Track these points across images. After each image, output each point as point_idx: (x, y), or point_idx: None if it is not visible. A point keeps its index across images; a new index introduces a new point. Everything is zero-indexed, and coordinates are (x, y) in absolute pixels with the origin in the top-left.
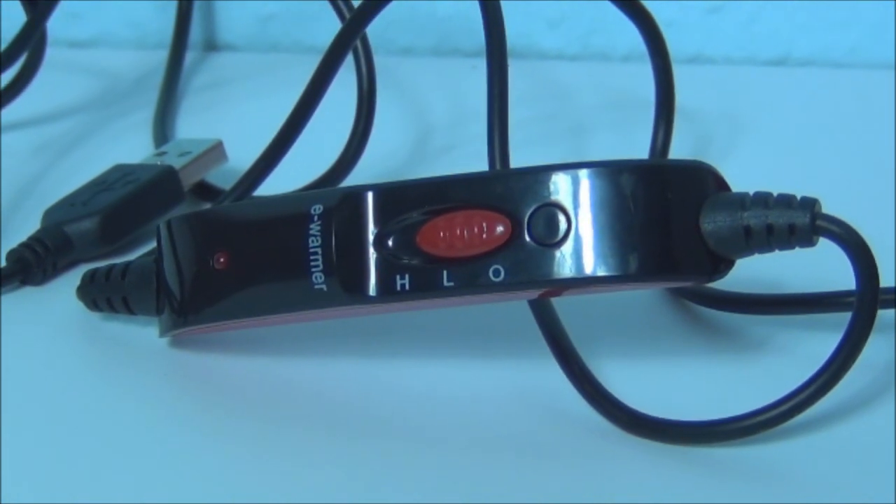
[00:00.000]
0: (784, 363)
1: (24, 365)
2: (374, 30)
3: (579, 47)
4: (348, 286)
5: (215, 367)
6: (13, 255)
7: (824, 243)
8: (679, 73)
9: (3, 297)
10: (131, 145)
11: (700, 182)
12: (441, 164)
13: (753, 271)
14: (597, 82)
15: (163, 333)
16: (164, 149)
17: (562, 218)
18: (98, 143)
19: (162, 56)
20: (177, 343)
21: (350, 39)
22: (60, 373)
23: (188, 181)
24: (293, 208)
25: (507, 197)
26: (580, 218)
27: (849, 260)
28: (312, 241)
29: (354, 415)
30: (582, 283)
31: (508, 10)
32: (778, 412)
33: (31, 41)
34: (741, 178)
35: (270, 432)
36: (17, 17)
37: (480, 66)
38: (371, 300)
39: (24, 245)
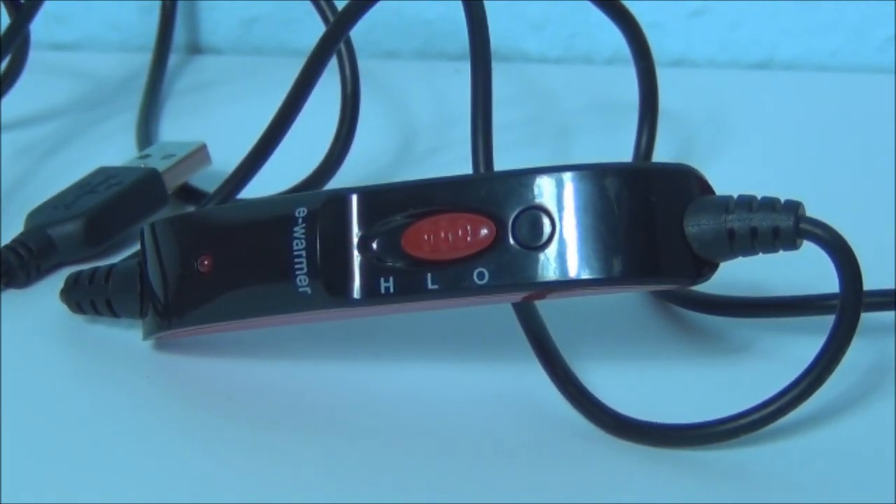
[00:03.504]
0: (768, 366)
1: (7, 367)
2: (358, 32)
3: (563, 50)
4: (332, 289)
5: (199, 370)
6: None
7: (808, 246)
8: (662, 76)
9: None
10: (115, 148)
11: (684, 185)
12: (425, 166)
13: (737, 274)
14: (580, 85)
15: (146, 336)
16: (147, 151)
17: (546, 221)
18: (82, 146)
19: (145, 59)
20: (160, 346)
21: (334, 42)
22: (44, 375)
23: (172, 184)
24: (277, 211)
25: (492, 200)
26: (564, 221)
27: (832, 263)
28: (296, 244)
29: (338, 417)
30: (566, 286)
31: (492, 13)
32: (762, 415)
33: (15, 44)
34: (725, 182)
35: (253, 435)
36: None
37: (464, 70)
38: (355, 303)
39: (7, 248)
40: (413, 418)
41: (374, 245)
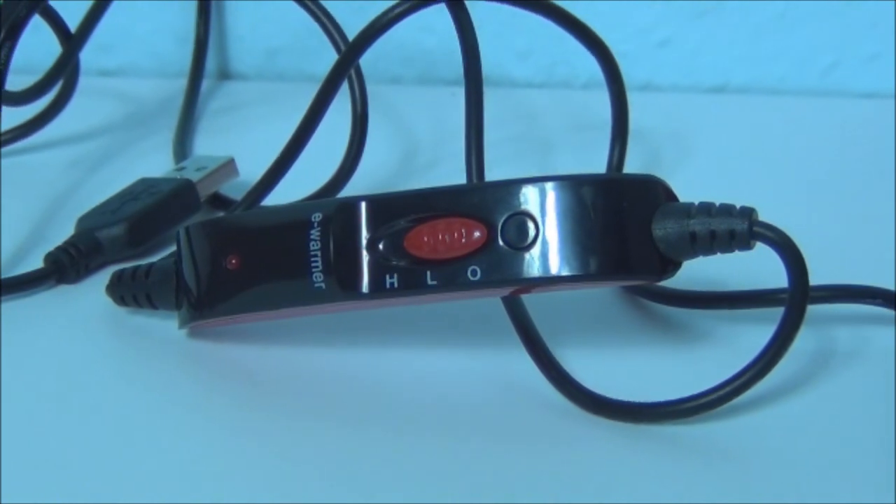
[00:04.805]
0: (725, 352)
1: (60, 353)
2: (366, 61)
3: (545, 76)
4: (344, 284)
5: (227, 355)
6: (50, 258)
7: (760, 247)
8: (632, 99)
9: (42, 294)
10: (154, 161)
11: (651, 193)
12: (425, 177)
13: (698, 271)
14: (560, 107)
15: (182, 326)
16: (182, 164)
17: (531, 225)
18: (125, 160)
19: (181, 84)
20: (194, 334)
21: (345, 69)
22: (92, 360)
23: (204, 193)
24: (296, 216)
25: (483, 206)
26: (547, 225)
27: (782, 261)
28: (313, 245)
29: (348, 397)
30: (548, 281)
31: (483, 43)
32: (720, 394)
33: (66, 70)
34: (687, 190)
35: (274, 412)
36: (53, 49)
37: (459, 93)
38: (364, 297)
39: (59, 248)
40: (413, 398)
41: (381, 246)
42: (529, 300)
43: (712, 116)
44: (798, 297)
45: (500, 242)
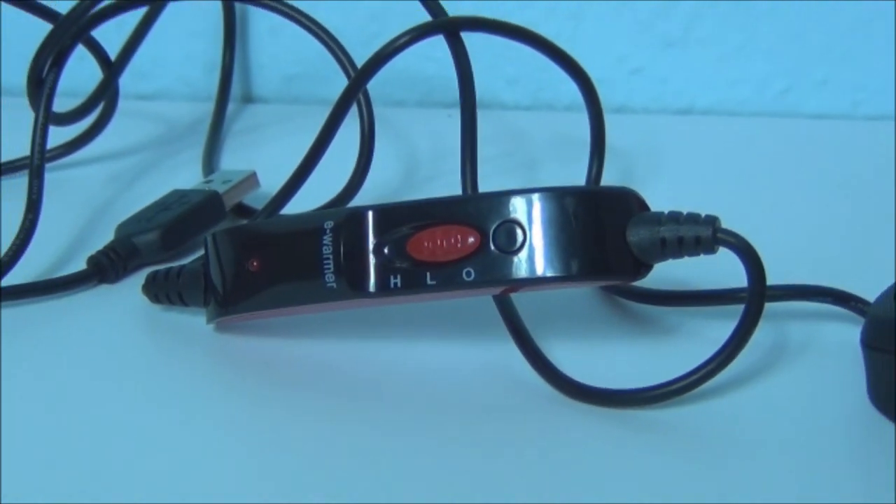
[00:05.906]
0: (691, 344)
1: (100, 346)
2: (373, 86)
3: (531, 100)
4: (353, 284)
5: (250, 347)
6: (92, 261)
7: (723, 251)
8: (608, 120)
9: (84, 293)
10: (185, 175)
11: (626, 204)
12: (425, 190)
13: (668, 273)
14: (545, 127)
15: (209, 321)
16: (210, 178)
17: (519, 231)
18: (159, 174)
19: (209, 107)
20: (220, 328)
21: (355, 94)
22: (129, 351)
23: (229, 203)
24: (310, 224)
25: (477, 215)
26: (533, 231)
27: (742, 264)
28: (325, 249)
29: (356, 383)
30: (535, 282)
31: (477, 71)
32: (686, 383)
33: (107, 94)
34: (658, 201)
35: (289, 398)
36: (95, 75)
37: (455, 115)
38: (371, 295)
39: (100, 252)
40: (415, 386)
41: (386, 250)
42: (518, 298)
43: (680, 136)
44: (756, 296)
45: (492, 247)
